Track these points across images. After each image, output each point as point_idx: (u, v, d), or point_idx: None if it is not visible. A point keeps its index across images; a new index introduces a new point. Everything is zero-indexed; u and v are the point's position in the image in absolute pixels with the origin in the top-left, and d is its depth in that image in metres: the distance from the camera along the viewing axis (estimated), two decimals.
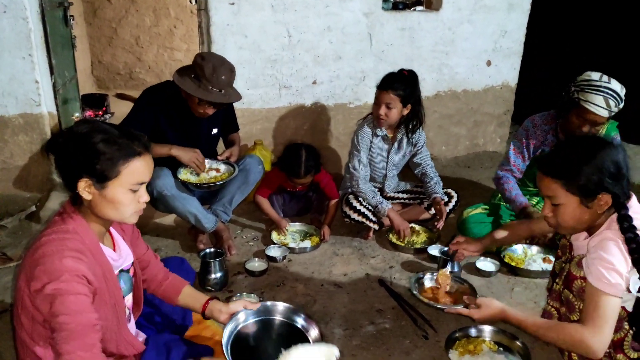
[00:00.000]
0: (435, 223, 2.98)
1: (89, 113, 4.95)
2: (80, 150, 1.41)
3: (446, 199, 3.03)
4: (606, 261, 1.57)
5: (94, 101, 5.17)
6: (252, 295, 2.39)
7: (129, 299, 1.70)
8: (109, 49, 6.44)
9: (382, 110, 2.86)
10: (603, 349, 1.57)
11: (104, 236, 1.59)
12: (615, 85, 2.48)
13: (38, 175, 3.38)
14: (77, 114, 4.32)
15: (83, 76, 5.68)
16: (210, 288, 2.46)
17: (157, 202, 2.68)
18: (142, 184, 1.49)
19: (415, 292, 2.20)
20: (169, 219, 3.13)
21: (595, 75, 2.52)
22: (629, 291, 1.60)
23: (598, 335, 1.55)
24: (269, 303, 1.87)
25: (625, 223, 1.58)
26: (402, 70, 2.89)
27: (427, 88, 4.03)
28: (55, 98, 3.38)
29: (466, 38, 4.02)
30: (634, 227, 1.57)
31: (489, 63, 4.18)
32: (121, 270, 1.64)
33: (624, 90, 2.49)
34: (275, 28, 3.50)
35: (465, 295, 2.04)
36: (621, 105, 2.50)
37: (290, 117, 3.77)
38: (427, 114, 3.23)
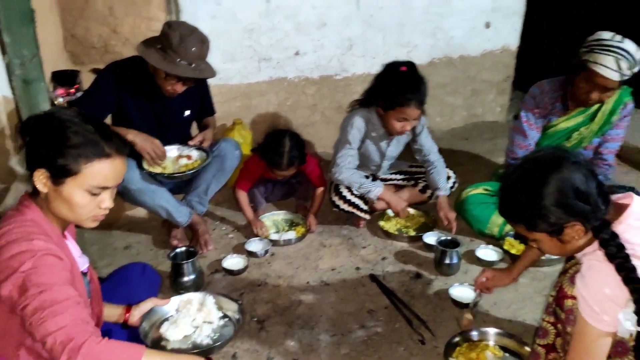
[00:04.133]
0: (447, 227, 2.59)
1: (60, 91, 4.63)
2: (44, 139, 1.30)
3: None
4: (598, 292, 1.30)
5: (65, 78, 4.83)
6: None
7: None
8: (82, 21, 6.00)
9: (409, 126, 2.50)
10: None
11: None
12: (629, 45, 2.20)
13: None
14: (60, 100, 3.99)
15: (56, 52, 5.30)
16: (183, 292, 2.21)
17: (123, 196, 2.42)
18: (105, 188, 1.35)
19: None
20: (141, 211, 2.85)
21: (606, 35, 2.24)
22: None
23: None
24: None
25: (610, 248, 1.29)
26: (402, 67, 2.46)
27: (419, 55, 3.69)
28: (11, 80, 3.07)
29: None
30: (622, 248, 1.27)
31: (487, 25, 3.83)
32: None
33: (639, 53, 2.20)
34: None
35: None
36: (636, 69, 2.21)
37: (271, 92, 3.46)
38: None
